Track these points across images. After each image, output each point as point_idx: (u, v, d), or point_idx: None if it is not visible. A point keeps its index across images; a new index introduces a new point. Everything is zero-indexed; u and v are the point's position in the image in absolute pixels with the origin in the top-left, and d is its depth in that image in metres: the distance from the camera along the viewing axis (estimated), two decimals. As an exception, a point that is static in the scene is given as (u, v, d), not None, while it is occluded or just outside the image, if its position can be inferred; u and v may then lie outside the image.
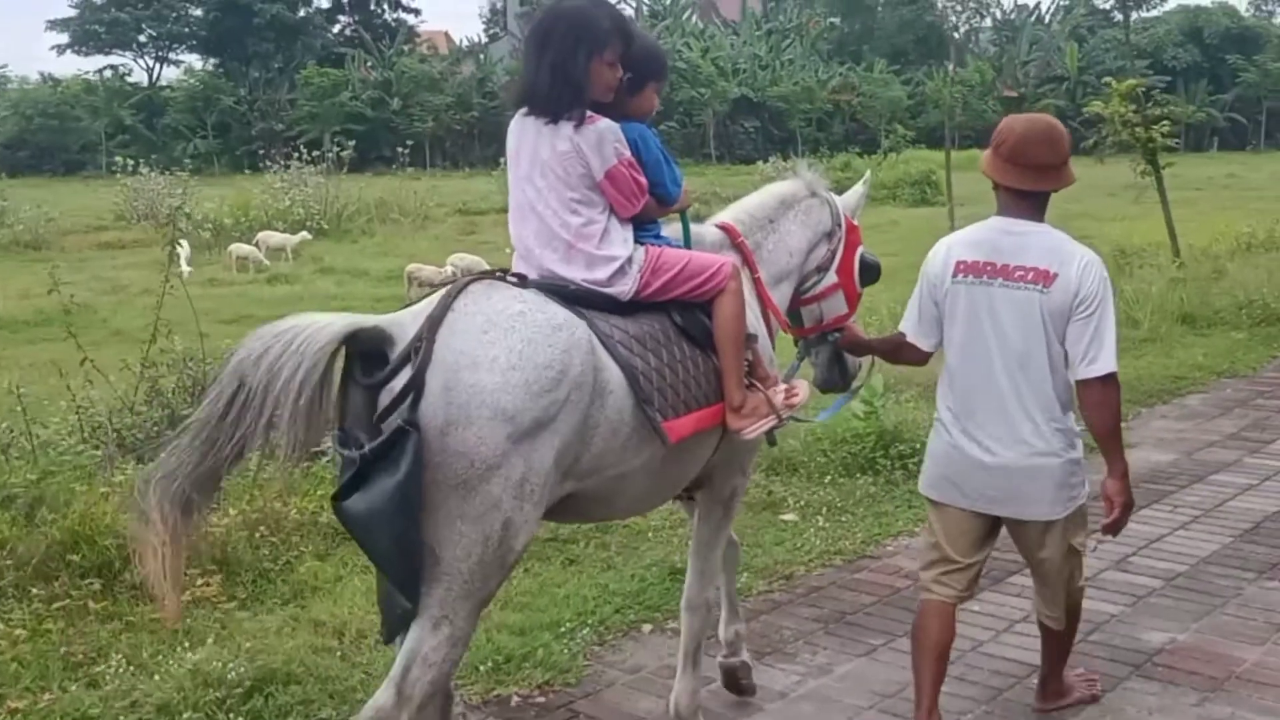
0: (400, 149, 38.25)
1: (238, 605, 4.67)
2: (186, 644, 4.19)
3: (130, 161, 31.60)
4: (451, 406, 2.78)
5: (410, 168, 56.47)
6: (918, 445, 6.63)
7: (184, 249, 21.68)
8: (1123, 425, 3.78)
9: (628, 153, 3.27)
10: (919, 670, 3.68)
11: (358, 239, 26.83)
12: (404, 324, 2.90)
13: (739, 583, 5.06)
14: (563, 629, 4.55)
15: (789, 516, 5.87)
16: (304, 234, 24.26)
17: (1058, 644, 3.91)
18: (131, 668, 4.01)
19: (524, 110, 3.28)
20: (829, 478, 6.35)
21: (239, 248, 22.57)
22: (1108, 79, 14.07)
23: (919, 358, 3.83)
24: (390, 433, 2.71)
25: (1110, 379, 3.46)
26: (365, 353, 2.83)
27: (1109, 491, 3.54)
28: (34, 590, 4.41)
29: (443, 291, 3.01)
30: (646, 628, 4.71)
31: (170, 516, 2.69)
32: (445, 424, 2.77)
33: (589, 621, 4.68)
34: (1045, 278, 3.46)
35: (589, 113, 3.21)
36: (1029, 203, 3.56)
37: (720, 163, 54.86)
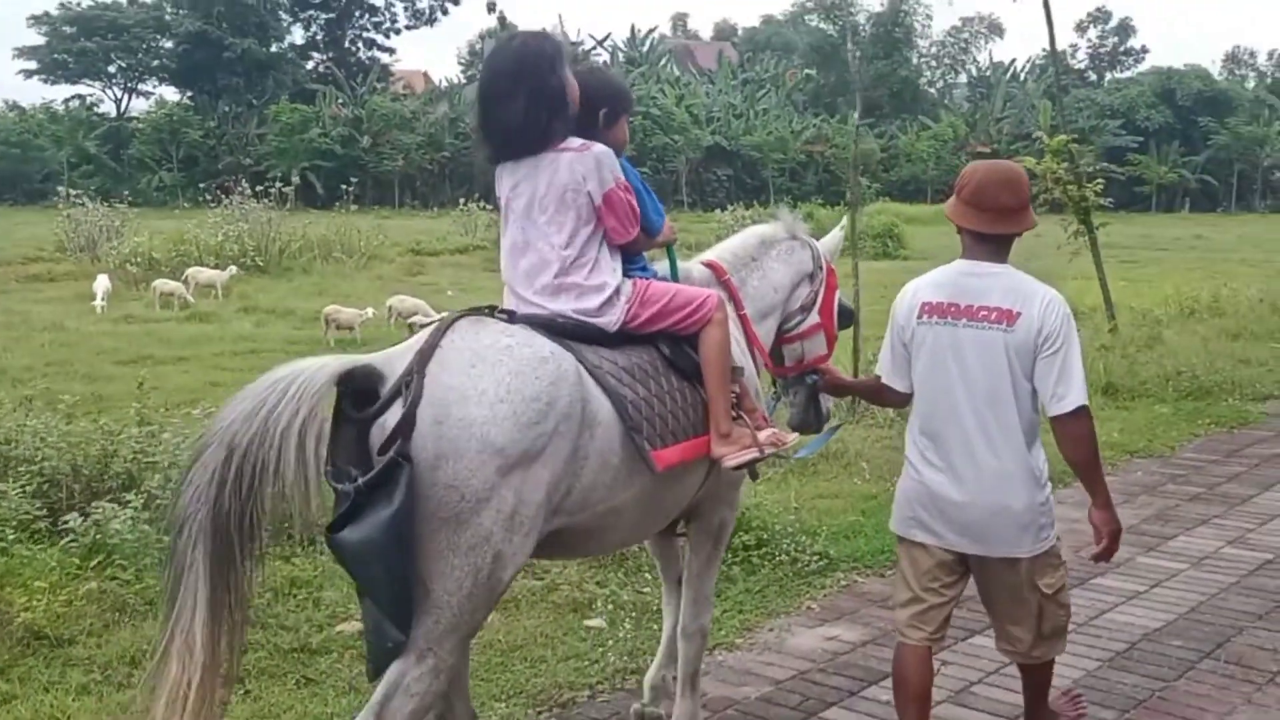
0: (346, 186, 37.18)
1: None
2: None
3: (73, 193, 30.82)
4: (442, 440, 2.82)
5: (377, 206, 56.44)
6: (765, 534, 5.86)
7: (101, 285, 20.91)
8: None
9: (623, 178, 3.37)
10: (902, 716, 3.73)
11: (295, 278, 26.00)
12: (393, 361, 2.95)
13: (501, 712, 4.28)
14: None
15: (594, 622, 5.03)
16: (232, 269, 23.43)
17: (1035, 678, 3.87)
18: None
19: (510, 157, 3.36)
20: (654, 572, 5.52)
21: (163, 284, 21.72)
22: (1038, 134, 13.45)
23: (898, 399, 3.87)
24: (383, 465, 2.75)
25: (1082, 411, 3.50)
26: (357, 390, 2.86)
27: (1095, 521, 3.63)
28: None
29: (431, 327, 3.06)
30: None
31: (200, 631, 2.69)
32: (436, 457, 2.81)
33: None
34: (1009, 317, 3.52)
35: (583, 140, 3.32)
36: (991, 245, 3.63)
37: (692, 210, 54.33)
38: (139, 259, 24.78)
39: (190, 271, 23.03)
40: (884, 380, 3.83)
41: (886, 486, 7.15)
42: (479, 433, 2.83)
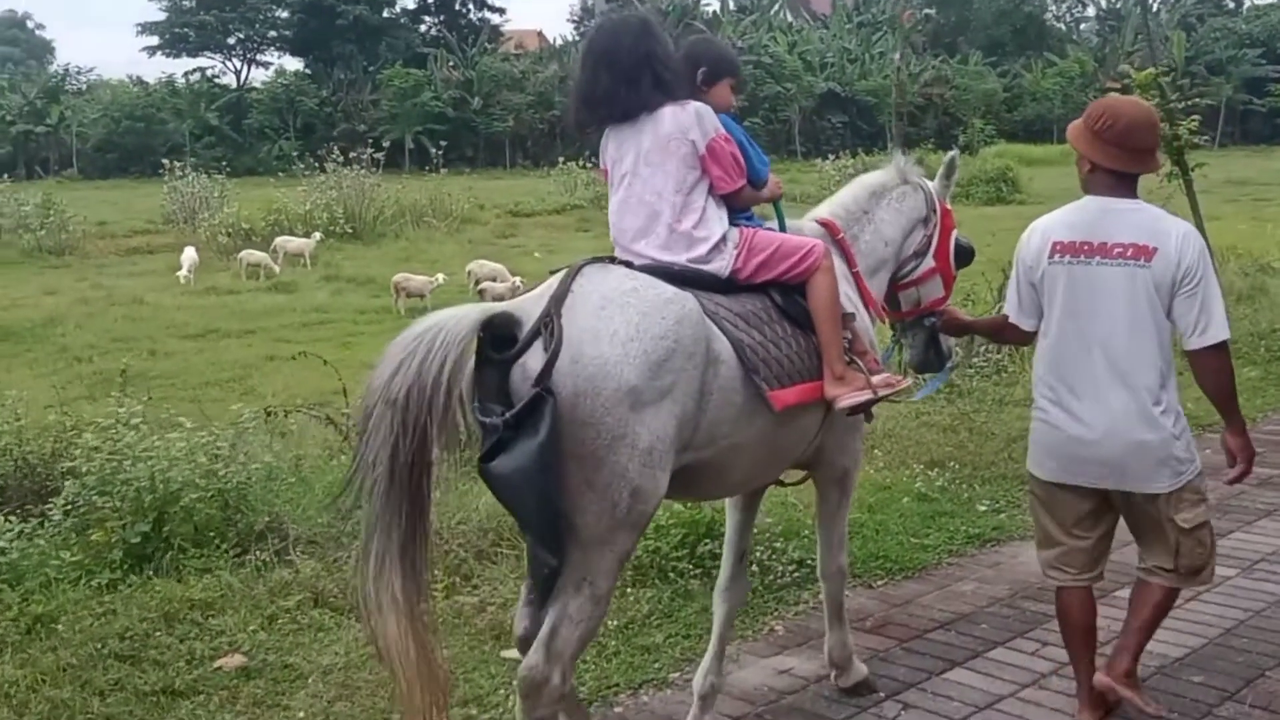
0: (436, 150, 36.94)
1: None
2: None
3: (177, 164, 31.28)
4: (579, 379, 2.94)
5: (490, 167, 56.45)
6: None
7: (188, 257, 21.02)
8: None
9: (723, 130, 3.48)
10: (1071, 652, 3.79)
11: (386, 244, 25.83)
12: (528, 307, 3.09)
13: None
14: None
15: (511, 654, 4.40)
16: (318, 236, 23.40)
17: (1152, 611, 3.73)
18: None
19: (612, 122, 3.51)
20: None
21: (250, 254, 21.82)
22: (1124, 68, 12.25)
23: (1022, 338, 3.90)
24: (530, 399, 2.88)
25: (1223, 346, 3.54)
26: (496, 335, 3.02)
27: (1231, 446, 3.67)
28: None
29: (560, 274, 3.18)
30: None
31: (396, 584, 2.85)
32: (574, 395, 2.94)
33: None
34: (1145, 252, 3.51)
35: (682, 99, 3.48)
36: (1127, 183, 3.64)
37: (806, 159, 52.89)
38: (230, 230, 24.92)
39: (278, 241, 23.07)
40: (1012, 319, 3.82)
41: (903, 475, 6.39)
42: (614, 371, 2.95)
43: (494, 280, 17.90)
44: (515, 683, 3.09)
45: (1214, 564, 3.76)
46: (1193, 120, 11.55)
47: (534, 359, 2.96)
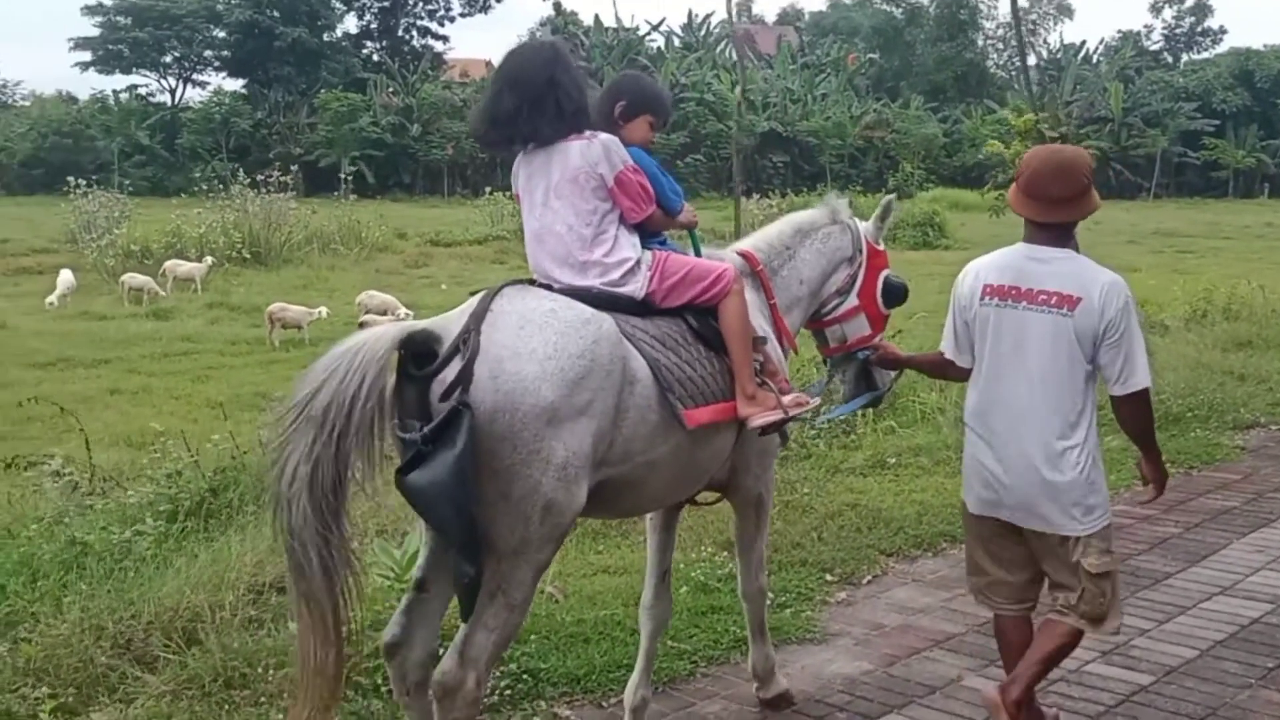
0: (343, 177, 35.89)
1: None
2: None
3: (82, 183, 30.10)
4: (498, 394, 3.05)
5: (428, 195, 55.68)
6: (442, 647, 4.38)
7: (64, 280, 20.01)
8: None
9: (631, 161, 3.58)
10: (1007, 666, 3.95)
11: (288, 270, 24.85)
12: (449, 324, 3.22)
13: None
14: None
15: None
16: (209, 260, 22.42)
17: (1054, 646, 3.80)
18: None
19: (528, 148, 3.58)
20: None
21: (132, 278, 20.81)
22: (1004, 113, 11.75)
23: (960, 374, 3.98)
24: (447, 412, 2.98)
25: (1144, 393, 3.67)
26: (416, 353, 3.13)
27: (1146, 473, 3.90)
28: None
29: (480, 295, 3.30)
30: None
31: (319, 588, 2.94)
32: (492, 410, 3.03)
33: None
34: (1070, 302, 3.63)
35: (591, 131, 3.55)
36: (1050, 231, 3.73)
37: (747, 196, 52.52)
38: (125, 251, 23.93)
39: (168, 265, 22.13)
40: (948, 356, 3.95)
41: (689, 558, 5.65)
42: (532, 387, 3.04)
43: (383, 313, 17.08)
44: (432, 688, 3.16)
45: (1119, 618, 3.86)
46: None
47: (453, 374, 3.03)
